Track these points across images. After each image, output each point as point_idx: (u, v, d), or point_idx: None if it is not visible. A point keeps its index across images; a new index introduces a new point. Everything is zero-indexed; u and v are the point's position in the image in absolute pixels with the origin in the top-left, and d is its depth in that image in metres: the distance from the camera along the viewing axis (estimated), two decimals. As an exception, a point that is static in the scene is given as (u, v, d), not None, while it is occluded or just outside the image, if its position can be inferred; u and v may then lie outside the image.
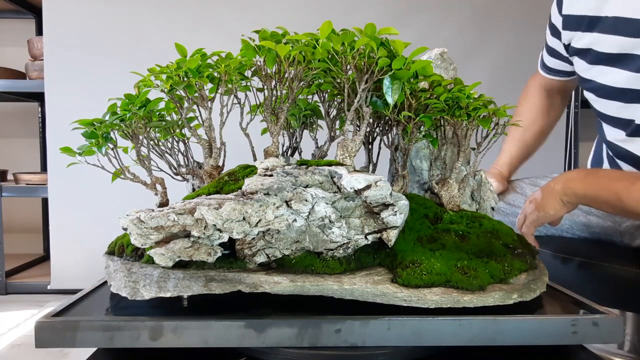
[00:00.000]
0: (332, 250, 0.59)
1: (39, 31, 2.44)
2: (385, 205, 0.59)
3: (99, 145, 0.69)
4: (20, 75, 2.29)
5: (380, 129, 0.77)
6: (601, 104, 1.05)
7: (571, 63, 1.15)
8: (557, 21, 1.10)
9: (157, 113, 0.72)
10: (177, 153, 0.76)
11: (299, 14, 2.12)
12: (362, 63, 0.62)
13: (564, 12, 1.07)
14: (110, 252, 0.68)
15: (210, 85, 0.68)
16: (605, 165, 1.17)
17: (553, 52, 1.17)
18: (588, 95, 1.09)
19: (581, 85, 1.11)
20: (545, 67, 1.24)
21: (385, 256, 0.62)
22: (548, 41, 1.17)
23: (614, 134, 1.05)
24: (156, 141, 0.74)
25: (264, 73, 0.65)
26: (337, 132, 0.76)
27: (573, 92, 2.27)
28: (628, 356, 1.17)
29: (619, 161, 1.08)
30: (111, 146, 0.71)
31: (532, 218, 0.97)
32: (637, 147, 1.01)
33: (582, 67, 1.06)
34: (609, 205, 0.89)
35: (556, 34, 1.12)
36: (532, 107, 1.28)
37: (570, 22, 1.05)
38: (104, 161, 0.70)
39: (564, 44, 1.11)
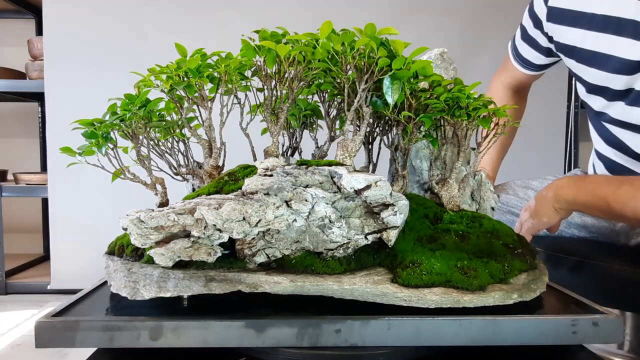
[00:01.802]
0: (332, 250, 0.59)
1: (39, 31, 2.44)
2: (385, 205, 0.59)
3: (99, 145, 0.69)
4: (20, 75, 2.29)
5: (380, 129, 0.77)
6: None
7: (547, 55, 1.16)
8: (541, 12, 1.09)
9: (157, 113, 0.72)
10: (177, 153, 0.76)
11: (299, 14, 2.12)
12: (362, 63, 0.62)
13: (549, 4, 1.07)
14: (110, 252, 0.68)
15: (210, 85, 0.68)
16: (597, 160, 1.17)
17: (532, 42, 1.17)
18: (579, 88, 1.10)
19: (575, 79, 1.12)
20: (518, 57, 1.23)
21: (385, 256, 0.62)
22: (528, 30, 1.16)
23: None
24: (156, 141, 0.74)
25: (264, 73, 0.65)
26: (337, 132, 0.76)
27: (573, 92, 2.28)
28: (628, 356, 1.17)
29: (612, 150, 1.09)
30: (111, 146, 0.71)
31: (528, 226, 0.99)
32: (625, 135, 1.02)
33: (571, 63, 1.07)
34: (599, 210, 0.91)
35: (538, 24, 1.12)
36: None
37: (555, 14, 1.06)
38: (104, 161, 0.70)
39: (546, 34, 1.11)
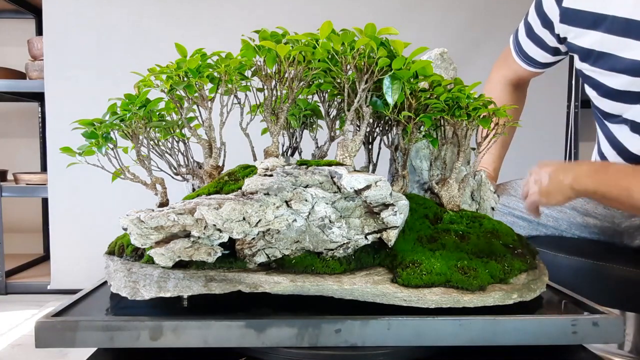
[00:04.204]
0: (332, 250, 0.59)
1: (39, 31, 2.44)
2: (385, 205, 0.59)
3: (99, 145, 0.69)
4: (20, 75, 2.29)
5: (380, 129, 0.77)
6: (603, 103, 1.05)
7: (554, 54, 1.14)
8: (553, 12, 1.06)
9: (157, 113, 0.72)
10: (177, 153, 0.76)
11: (299, 14, 2.12)
12: (362, 63, 0.62)
13: (564, 5, 1.03)
14: (110, 252, 0.68)
15: (210, 85, 0.68)
16: (597, 158, 1.16)
17: (538, 41, 1.14)
18: (589, 92, 1.08)
19: (584, 81, 1.10)
20: (522, 53, 1.20)
21: (385, 256, 0.62)
22: (534, 28, 1.13)
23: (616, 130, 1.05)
24: (156, 141, 0.74)
25: (264, 73, 0.65)
26: (337, 132, 0.76)
27: (573, 92, 2.28)
28: (628, 356, 1.17)
29: (614, 152, 1.08)
30: (111, 146, 0.71)
31: (533, 199, 0.96)
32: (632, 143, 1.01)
33: (583, 66, 1.05)
34: (619, 202, 0.88)
35: (547, 24, 1.09)
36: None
37: (571, 16, 1.02)
38: (104, 161, 0.70)
39: (557, 35, 1.08)
